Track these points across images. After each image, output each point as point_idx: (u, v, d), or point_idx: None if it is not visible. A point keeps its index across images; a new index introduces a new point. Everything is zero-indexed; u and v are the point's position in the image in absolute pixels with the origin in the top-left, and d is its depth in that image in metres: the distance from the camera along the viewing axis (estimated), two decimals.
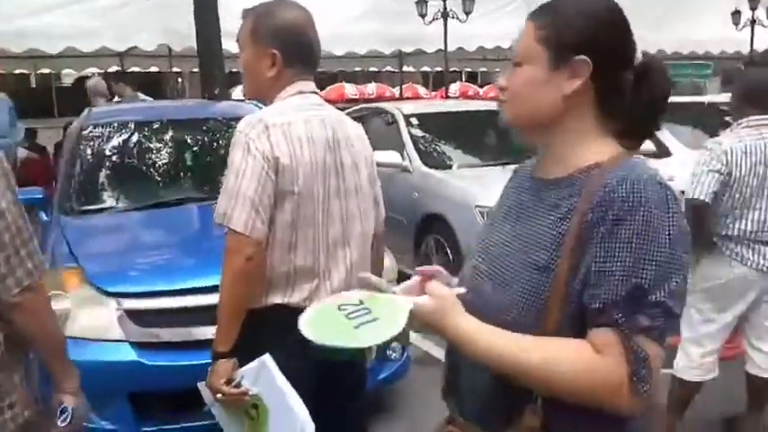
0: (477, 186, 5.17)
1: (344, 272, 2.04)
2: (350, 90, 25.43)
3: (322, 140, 2.02)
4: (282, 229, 1.94)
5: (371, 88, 26.49)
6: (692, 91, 13.86)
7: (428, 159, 5.77)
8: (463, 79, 29.57)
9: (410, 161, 5.78)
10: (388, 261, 3.65)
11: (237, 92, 22.31)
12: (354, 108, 7.54)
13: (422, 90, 28.95)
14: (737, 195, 2.92)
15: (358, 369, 2.16)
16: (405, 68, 18.17)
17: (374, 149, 5.97)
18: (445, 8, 11.11)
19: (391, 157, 5.86)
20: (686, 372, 3.09)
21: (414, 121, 6.23)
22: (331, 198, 2.02)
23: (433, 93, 28.96)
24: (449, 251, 5.12)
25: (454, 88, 28.20)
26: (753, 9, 14.22)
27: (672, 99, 1.29)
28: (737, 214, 2.94)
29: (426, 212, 5.43)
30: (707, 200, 2.88)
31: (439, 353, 4.48)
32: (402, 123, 6.15)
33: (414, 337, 4.80)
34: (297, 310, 1.92)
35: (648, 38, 14.86)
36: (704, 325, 3.05)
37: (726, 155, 2.89)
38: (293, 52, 2.03)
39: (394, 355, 3.48)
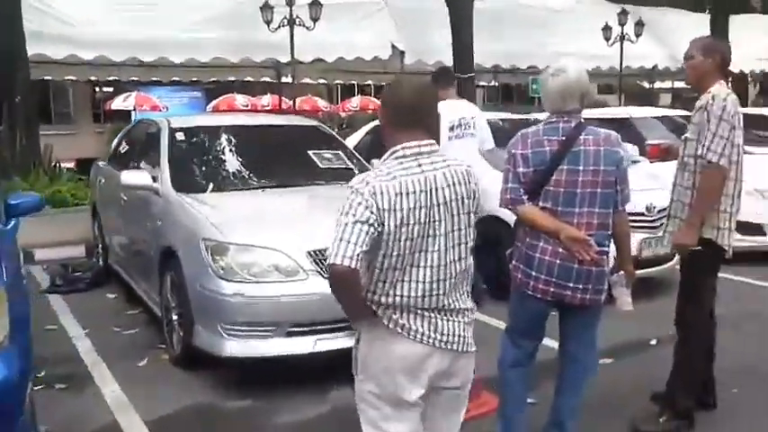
0: (216, 215, 4.40)
1: None
2: (241, 101, 24.42)
3: None
4: None
5: (266, 100, 25.59)
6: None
7: (181, 181, 4.95)
8: (372, 93, 28.91)
9: (162, 183, 4.97)
10: None
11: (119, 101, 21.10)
12: (134, 122, 6.72)
13: (321, 102, 28.25)
14: (396, 251, 2.13)
15: None
16: (285, 80, 17.24)
17: (139, 167, 5.32)
18: (291, 15, 10.38)
19: (139, 177, 5.04)
20: None
21: (180, 136, 5.44)
22: None
23: (335, 105, 28.34)
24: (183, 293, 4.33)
25: (355, 102, 27.65)
26: (622, 25, 14.13)
27: None
28: (398, 275, 2.15)
29: (164, 245, 4.62)
30: (353, 265, 2.02)
31: None
32: (165, 138, 5.34)
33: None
34: None
35: (521, 53, 14.70)
36: (386, 422, 2.24)
37: (375, 198, 2.08)
38: None
39: None
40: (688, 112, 11.93)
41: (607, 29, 14.20)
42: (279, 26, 10.50)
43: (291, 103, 16.92)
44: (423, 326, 2.20)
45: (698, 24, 16.48)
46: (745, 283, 6.37)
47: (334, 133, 6.08)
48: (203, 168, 5.30)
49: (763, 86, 25.48)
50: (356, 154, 5.84)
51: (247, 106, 23.71)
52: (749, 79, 24.19)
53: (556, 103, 3.05)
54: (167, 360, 4.54)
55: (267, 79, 17.65)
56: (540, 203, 3.02)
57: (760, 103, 24.31)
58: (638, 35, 14.29)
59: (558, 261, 2.99)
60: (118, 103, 21.47)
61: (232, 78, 16.92)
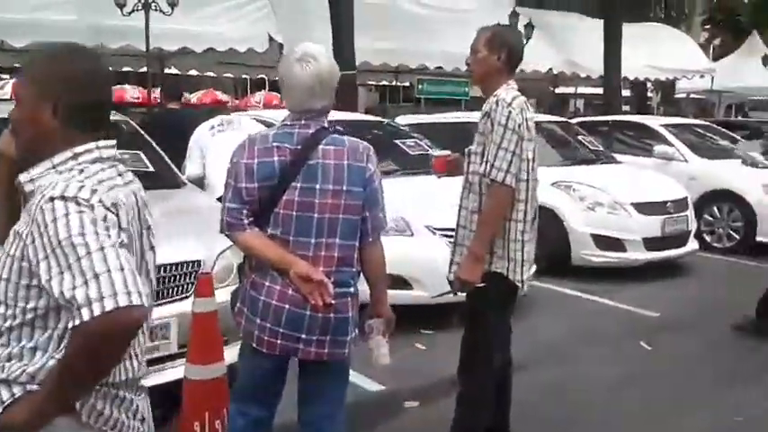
0: None
1: None
2: (131, 93, 23.08)
3: None
4: None
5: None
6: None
7: None
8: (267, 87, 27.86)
9: None
10: None
11: None
12: None
13: (223, 96, 27.11)
14: None
15: None
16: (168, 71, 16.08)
17: None
18: None
19: None
20: None
21: None
22: None
23: (237, 100, 27.29)
24: None
25: (258, 97, 26.61)
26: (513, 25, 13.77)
27: None
28: None
29: None
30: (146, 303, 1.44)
31: None
32: None
33: None
34: None
35: (410, 52, 14.15)
36: None
37: (116, 213, 1.52)
38: None
39: None
40: (569, 117, 11.68)
41: None
42: (132, 10, 9.52)
43: (151, 94, 15.45)
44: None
45: (594, 29, 16.39)
46: (593, 302, 5.97)
47: (139, 131, 5.27)
48: None
49: (665, 94, 26.03)
50: (164, 156, 5.07)
51: (138, 98, 22.38)
52: (650, 87, 24.67)
53: (301, 99, 2.36)
54: None
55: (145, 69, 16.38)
56: (269, 230, 2.35)
57: (662, 112, 24.83)
58: (527, 37, 13.95)
59: (286, 306, 2.33)
60: None
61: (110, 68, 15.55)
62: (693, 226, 7.28)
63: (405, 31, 13.41)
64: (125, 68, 15.52)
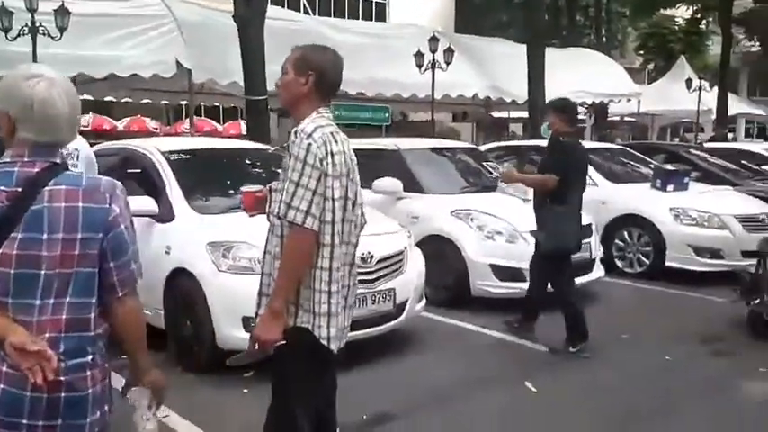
0: None
1: None
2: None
3: None
4: None
5: (87, 119, 23.62)
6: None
7: None
8: (202, 114, 27.40)
9: None
10: None
11: None
12: None
13: (152, 123, 26.46)
14: None
15: None
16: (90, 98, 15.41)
17: None
18: (33, 22, 8.89)
19: None
20: None
21: None
22: None
23: (167, 126, 26.73)
24: None
25: (188, 123, 26.04)
26: (433, 51, 13.65)
27: None
28: None
29: None
30: None
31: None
32: None
33: None
34: None
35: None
36: None
37: None
38: None
39: None
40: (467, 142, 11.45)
41: (419, 56, 13.67)
42: (18, 35, 8.97)
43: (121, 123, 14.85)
44: None
45: (519, 55, 16.40)
46: (487, 336, 5.63)
47: None
48: None
49: (598, 117, 26.35)
50: None
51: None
52: (583, 110, 24.95)
53: (54, 130, 1.92)
54: None
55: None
56: None
57: (596, 137, 25.08)
58: (447, 62, 13.86)
59: (1, 386, 1.89)
60: None
61: None
62: (599, 252, 7.06)
63: None
64: None
